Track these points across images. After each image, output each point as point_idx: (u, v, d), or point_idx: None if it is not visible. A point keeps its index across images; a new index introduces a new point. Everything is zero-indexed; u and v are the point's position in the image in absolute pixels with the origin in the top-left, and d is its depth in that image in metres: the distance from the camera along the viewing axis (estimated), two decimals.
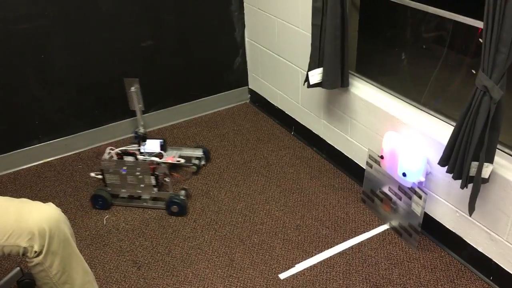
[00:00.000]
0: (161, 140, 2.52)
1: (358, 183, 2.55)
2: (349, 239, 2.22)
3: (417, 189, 2.06)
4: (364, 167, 2.40)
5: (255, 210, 2.41)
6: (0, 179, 2.71)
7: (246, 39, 3.22)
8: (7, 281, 1.91)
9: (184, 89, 3.14)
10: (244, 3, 3.09)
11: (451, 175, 1.82)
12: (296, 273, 2.06)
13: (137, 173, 2.37)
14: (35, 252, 1.49)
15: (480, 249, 1.97)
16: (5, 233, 1.48)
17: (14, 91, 2.62)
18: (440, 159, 1.85)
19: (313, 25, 2.25)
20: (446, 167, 1.83)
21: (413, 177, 2.03)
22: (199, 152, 2.72)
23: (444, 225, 2.10)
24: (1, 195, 1.61)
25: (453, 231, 2.06)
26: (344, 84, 2.35)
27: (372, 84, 2.38)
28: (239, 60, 3.27)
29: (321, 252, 2.16)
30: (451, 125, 2.00)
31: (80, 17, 2.64)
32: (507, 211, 1.80)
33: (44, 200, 1.75)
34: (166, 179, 2.40)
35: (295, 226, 2.30)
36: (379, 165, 2.25)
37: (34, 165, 2.81)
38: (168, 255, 2.17)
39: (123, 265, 2.12)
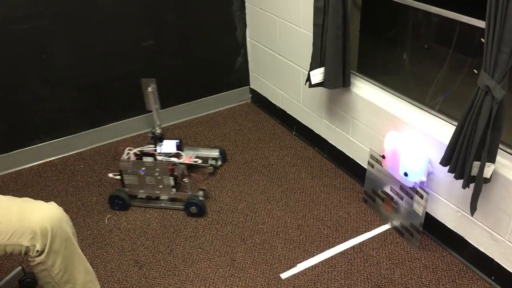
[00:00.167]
0: (177, 141, 2.50)
1: (360, 183, 2.55)
2: (350, 239, 2.22)
3: (418, 189, 2.05)
4: (366, 167, 2.40)
5: (257, 210, 2.41)
6: (2, 178, 2.72)
7: (248, 39, 3.22)
8: (9, 281, 1.91)
9: (185, 88, 3.14)
10: (246, 3, 3.09)
11: (453, 175, 1.82)
12: (297, 273, 2.06)
13: (156, 174, 2.35)
14: (37, 251, 1.49)
15: (481, 249, 1.97)
16: (7, 232, 1.48)
17: (15, 91, 2.63)
18: (442, 158, 1.85)
19: (314, 24, 2.25)
20: (448, 166, 1.83)
21: (415, 177, 2.03)
22: (215, 153, 2.71)
23: (446, 225, 2.10)
24: (3, 195, 1.61)
25: (455, 231, 2.06)
26: (345, 83, 2.35)
27: (374, 84, 2.38)
28: (241, 60, 3.28)
29: (323, 251, 2.16)
30: (452, 124, 2.00)
31: (81, 17, 2.64)
32: (509, 211, 1.80)
33: (46, 199, 1.75)
34: (185, 179, 2.39)
35: (297, 226, 2.30)
36: (381, 165, 2.25)
37: (36, 165, 2.81)
38: (169, 254, 2.17)
39: (125, 265, 2.12)
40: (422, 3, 1.98)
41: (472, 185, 1.78)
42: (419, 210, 2.07)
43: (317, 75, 2.34)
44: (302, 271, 2.06)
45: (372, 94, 2.35)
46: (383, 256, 2.12)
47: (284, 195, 2.51)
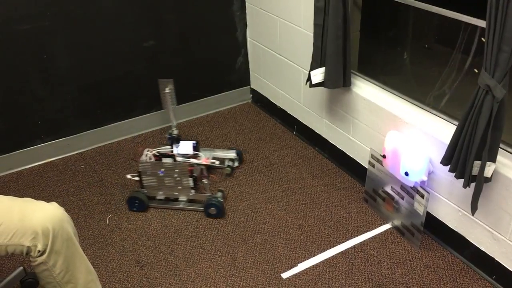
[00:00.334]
0: (194, 142, 2.49)
1: (360, 183, 2.55)
2: (351, 238, 2.22)
3: (419, 188, 2.06)
4: (366, 167, 2.40)
5: (258, 210, 2.42)
6: (3, 179, 2.72)
7: (248, 39, 3.22)
8: (10, 281, 1.92)
9: (186, 89, 3.14)
10: (246, 3, 3.09)
11: (454, 174, 1.82)
12: (298, 273, 2.06)
13: (175, 175, 2.35)
14: (39, 251, 1.50)
15: (482, 248, 1.97)
16: (8, 232, 1.48)
17: (16, 91, 2.63)
18: (443, 158, 1.85)
19: (315, 24, 2.26)
20: (449, 166, 1.84)
21: (416, 176, 2.04)
22: (232, 154, 2.70)
23: (447, 224, 2.10)
24: (4, 195, 1.61)
25: (456, 230, 2.06)
26: (346, 83, 2.35)
27: (374, 84, 2.38)
28: (241, 60, 3.28)
29: (324, 251, 2.16)
30: (453, 124, 2.00)
31: (82, 17, 2.64)
32: (510, 210, 1.80)
33: (47, 199, 1.75)
34: (204, 180, 2.38)
35: (298, 226, 2.31)
36: (381, 164, 2.25)
37: (37, 165, 2.82)
38: (170, 254, 2.17)
39: (126, 265, 2.13)
40: (422, 3, 1.98)
41: (473, 185, 1.78)
42: (420, 209, 2.07)
43: (318, 75, 2.35)
44: (303, 270, 2.07)
45: (372, 93, 2.35)
46: (384, 256, 2.12)
47: (285, 195, 2.51)
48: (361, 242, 2.20)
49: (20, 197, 1.60)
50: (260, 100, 3.33)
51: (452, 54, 2.55)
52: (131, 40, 2.83)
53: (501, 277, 1.94)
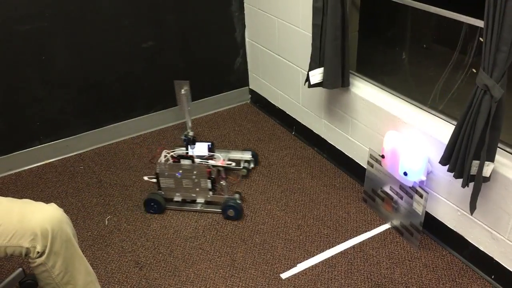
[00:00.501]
0: (209, 143, 2.48)
1: (359, 183, 2.55)
2: (350, 238, 2.22)
3: (418, 188, 2.06)
4: (365, 167, 2.40)
5: (257, 210, 2.42)
6: (2, 180, 2.72)
7: (247, 39, 3.22)
8: (9, 282, 1.92)
9: None
10: (245, 4, 3.09)
11: (452, 174, 1.82)
12: (298, 273, 2.06)
13: (193, 177, 2.33)
14: (38, 252, 1.50)
15: (481, 248, 1.97)
16: (7, 233, 1.48)
17: (15, 92, 2.63)
18: (441, 158, 1.85)
19: (313, 25, 2.26)
20: (447, 166, 1.84)
21: (414, 176, 2.04)
22: (248, 155, 2.68)
23: (446, 224, 2.10)
24: (3, 196, 1.61)
25: (455, 230, 2.07)
26: (344, 84, 2.36)
27: (373, 84, 2.38)
28: (240, 61, 3.28)
29: (323, 251, 2.16)
30: (452, 124, 2.00)
31: (81, 18, 2.64)
32: (509, 210, 1.80)
33: (46, 201, 1.75)
34: (222, 182, 2.37)
35: (297, 226, 2.31)
36: (380, 164, 2.26)
37: (36, 166, 2.81)
38: (170, 255, 2.17)
39: (125, 266, 2.13)
40: (421, 3, 1.99)
41: (471, 184, 1.78)
42: (419, 209, 2.07)
43: (316, 75, 2.35)
44: (302, 271, 2.07)
45: (371, 94, 2.35)
46: (383, 256, 2.12)
47: (284, 195, 2.51)
48: (360, 242, 2.20)
49: (19, 198, 1.60)
50: (259, 101, 3.33)
51: (450, 54, 2.55)
52: (130, 40, 2.83)
53: (500, 277, 1.94)
